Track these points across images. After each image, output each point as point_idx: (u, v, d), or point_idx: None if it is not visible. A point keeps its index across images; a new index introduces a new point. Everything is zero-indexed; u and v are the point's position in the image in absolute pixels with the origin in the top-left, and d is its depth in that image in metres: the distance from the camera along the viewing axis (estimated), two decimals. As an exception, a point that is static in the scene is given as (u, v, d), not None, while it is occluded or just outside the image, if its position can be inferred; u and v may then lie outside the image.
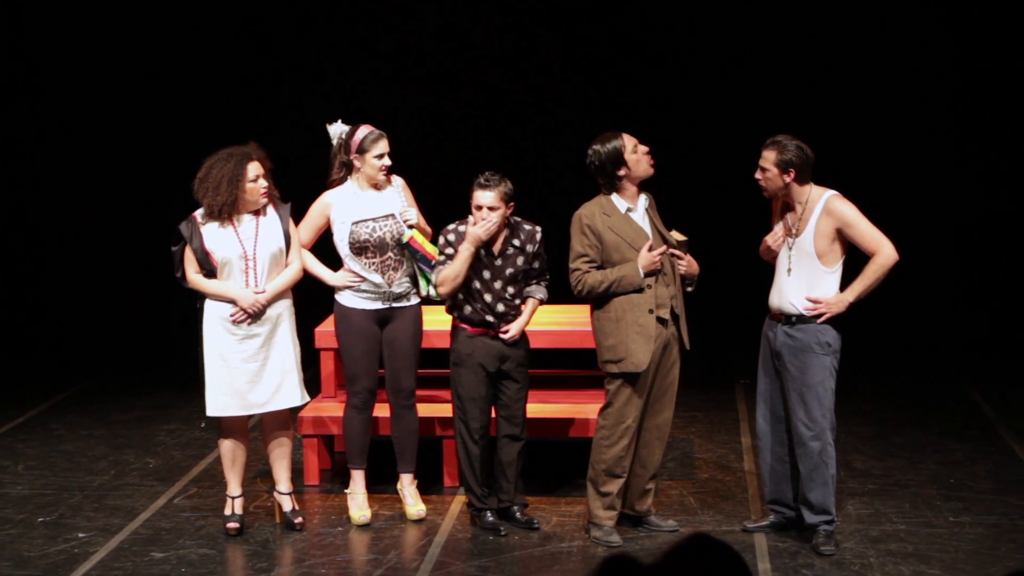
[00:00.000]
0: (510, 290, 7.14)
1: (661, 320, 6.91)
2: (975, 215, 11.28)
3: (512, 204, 7.09)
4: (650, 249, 6.85)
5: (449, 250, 7.09)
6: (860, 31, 11.13)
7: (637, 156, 6.91)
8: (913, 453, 8.46)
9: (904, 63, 11.16)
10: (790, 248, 6.85)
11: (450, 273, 7.06)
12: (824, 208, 6.75)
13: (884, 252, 6.75)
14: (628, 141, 6.90)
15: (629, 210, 6.94)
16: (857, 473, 8.09)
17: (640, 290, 6.86)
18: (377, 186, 7.27)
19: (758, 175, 6.86)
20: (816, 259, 6.77)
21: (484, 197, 7.03)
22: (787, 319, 6.85)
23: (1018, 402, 9.54)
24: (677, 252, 6.95)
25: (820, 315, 6.78)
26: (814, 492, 6.86)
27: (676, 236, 6.95)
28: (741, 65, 11.22)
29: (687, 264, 6.97)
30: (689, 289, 7.06)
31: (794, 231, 6.83)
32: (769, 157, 6.81)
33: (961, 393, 9.82)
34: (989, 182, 11.28)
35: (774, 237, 6.95)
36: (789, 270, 6.85)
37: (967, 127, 11.24)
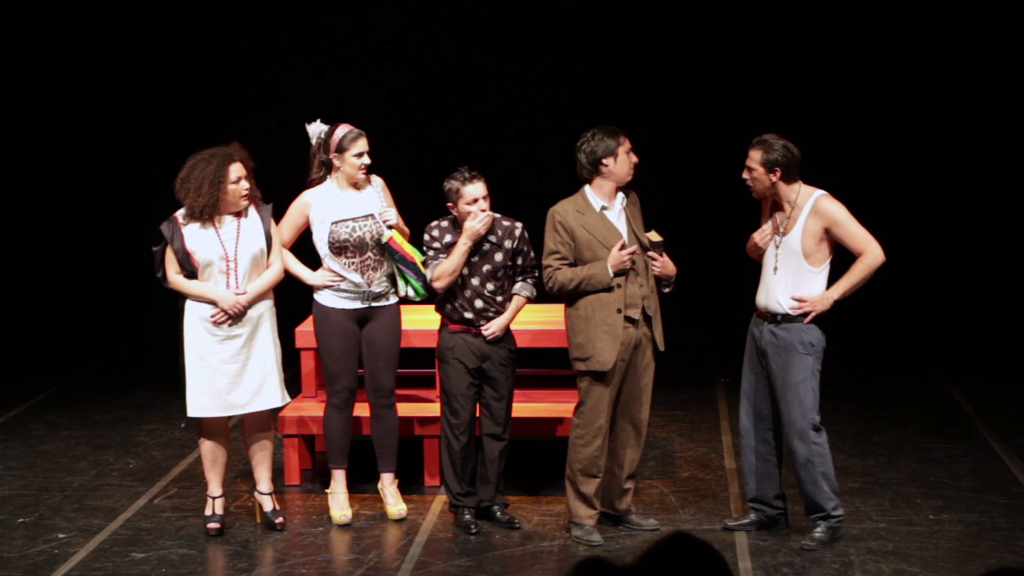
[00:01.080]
0: (489, 287, 7.13)
1: (631, 320, 6.91)
2: (958, 215, 11.32)
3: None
4: (621, 248, 6.85)
5: (436, 244, 7.11)
6: (850, 30, 11.15)
7: (626, 158, 6.92)
8: (893, 451, 8.48)
9: (895, 63, 11.18)
10: (777, 247, 6.85)
11: (448, 267, 7.07)
12: (812, 208, 6.75)
13: (871, 252, 6.76)
14: (626, 142, 6.92)
15: (604, 208, 6.94)
16: (838, 471, 8.03)
17: (609, 289, 6.86)
18: (356, 185, 7.27)
19: (745, 175, 6.86)
20: (803, 258, 6.77)
21: (477, 190, 7.04)
22: (773, 318, 6.86)
23: (998, 400, 9.57)
24: (652, 253, 6.94)
25: (806, 314, 6.79)
26: (804, 491, 6.89)
27: (652, 237, 6.93)
28: (726, 63, 11.23)
29: (662, 265, 6.97)
30: (666, 290, 7.06)
31: (782, 230, 6.83)
32: (755, 157, 6.81)
33: (941, 391, 9.84)
34: (972, 183, 11.32)
35: (762, 234, 6.95)
36: (775, 268, 6.85)
37: (954, 127, 11.27)
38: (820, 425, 6.89)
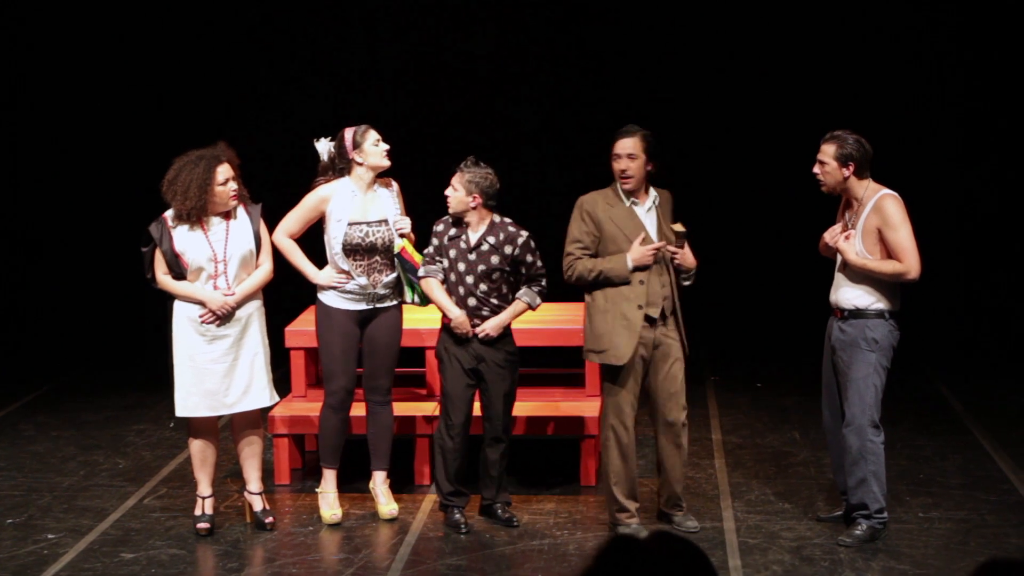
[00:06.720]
0: (482, 287, 7.10)
1: (650, 319, 6.90)
2: (950, 214, 11.34)
3: (477, 196, 7.04)
4: (643, 243, 6.83)
5: (435, 241, 7.14)
6: (856, 31, 11.16)
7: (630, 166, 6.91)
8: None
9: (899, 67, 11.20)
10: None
11: (431, 293, 7.15)
12: (874, 205, 6.76)
13: (907, 264, 6.74)
14: (633, 150, 6.90)
15: (633, 203, 6.93)
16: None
17: (628, 283, 6.83)
18: (380, 176, 7.22)
19: (816, 169, 6.87)
20: (865, 255, 6.78)
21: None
22: (841, 314, 6.89)
23: (987, 397, 9.59)
24: (671, 247, 6.89)
25: (878, 312, 6.79)
26: (851, 487, 6.92)
27: (676, 228, 6.90)
28: (740, 63, 11.24)
29: (681, 257, 6.92)
30: (686, 283, 7.01)
31: (850, 226, 6.85)
32: (828, 151, 6.82)
33: (930, 389, 9.86)
34: (966, 178, 11.34)
35: (831, 233, 6.95)
36: (844, 265, 6.87)
37: (955, 129, 11.30)
38: (879, 424, 6.91)
